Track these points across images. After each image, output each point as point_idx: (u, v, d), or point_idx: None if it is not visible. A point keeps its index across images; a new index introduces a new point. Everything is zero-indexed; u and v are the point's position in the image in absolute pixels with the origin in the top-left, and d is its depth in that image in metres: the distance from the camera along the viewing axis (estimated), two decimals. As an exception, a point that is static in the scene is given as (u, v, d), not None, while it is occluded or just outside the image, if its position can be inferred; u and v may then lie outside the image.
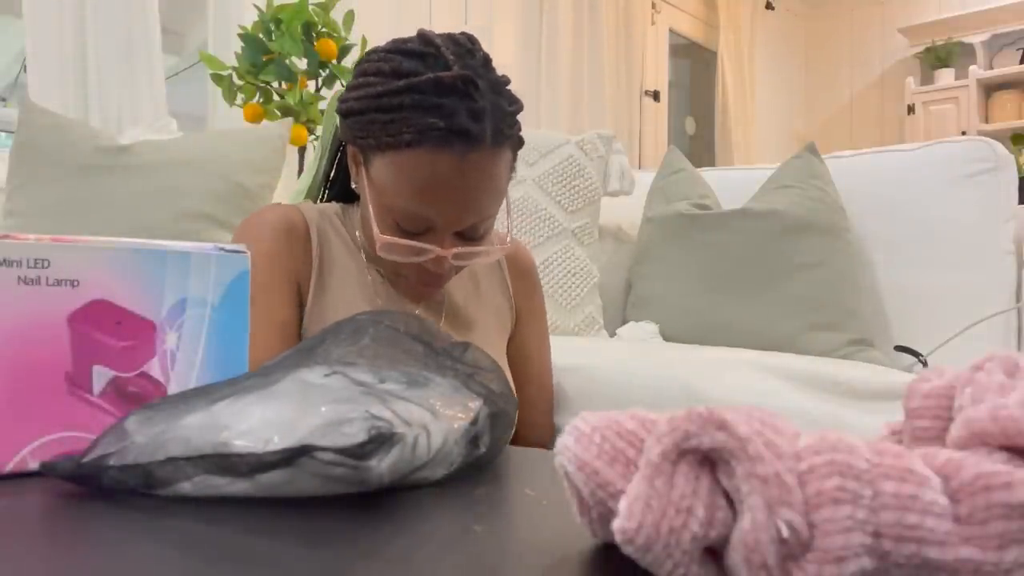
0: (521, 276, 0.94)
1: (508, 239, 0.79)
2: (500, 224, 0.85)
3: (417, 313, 0.82)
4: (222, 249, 0.43)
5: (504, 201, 0.76)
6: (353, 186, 0.79)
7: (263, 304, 0.73)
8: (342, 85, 1.83)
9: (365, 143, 0.71)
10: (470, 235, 0.73)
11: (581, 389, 1.24)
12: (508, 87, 0.72)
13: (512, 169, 0.75)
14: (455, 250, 0.71)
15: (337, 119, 0.79)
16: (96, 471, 0.32)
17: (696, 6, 4.76)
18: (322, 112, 1.82)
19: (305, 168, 0.93)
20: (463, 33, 0.72)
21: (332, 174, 0.89)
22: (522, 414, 0.90)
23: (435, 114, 0.66)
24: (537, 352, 0.95)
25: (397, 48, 0.71)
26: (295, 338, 0.76)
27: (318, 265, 0.78)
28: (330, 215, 0.83)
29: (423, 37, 0.71)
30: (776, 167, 1.66)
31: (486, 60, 0.71)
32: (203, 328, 0.42)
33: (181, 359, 0.41)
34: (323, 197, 0.91)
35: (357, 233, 0.83)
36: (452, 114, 0.66)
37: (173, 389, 0.41)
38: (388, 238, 0.70)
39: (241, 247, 0.44)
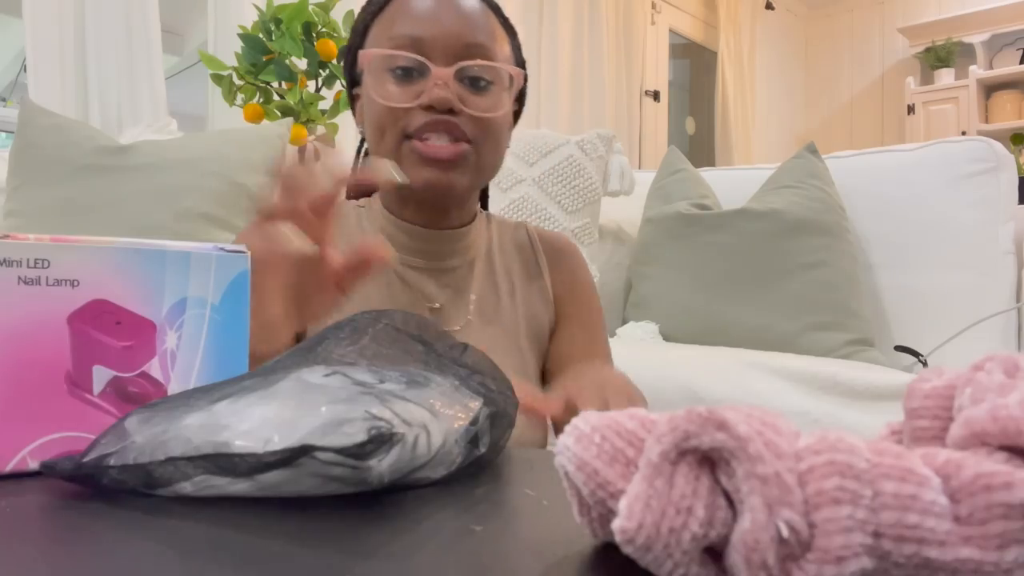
0: (559, 265, 0.87)
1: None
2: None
3: (440, 306, 0.78)
4: (222, 249, 0.43)
5: (508, 75, 0.75)
6: (359, 129, 0.79)
7: None
8: (342, 85, 1.83)
9: (355, 45, 0.76)
10: (471, 76, 0.72)
11: (581, 389, 1.23)
12: None
13: (511, 44, 0.78)
14: (458, 65, 0.70)
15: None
16: (96, 471, 0.32)
17: (696, 6, 4.76)
18: (323, 112, 1.82)
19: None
20: None
21: None
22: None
23: None
24: (582, 352, 0.85)
25: None
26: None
27: None
28: (348, 210, 0.82)
29: None
30: (776, 167, 1.66)
31: None
32: (203, 328, 0.42)
33: (181, 359, 0.41)
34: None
35: (376, 228, 0.80)
36: None
37: (173, 389, 0.41)
38: (388, 88, 0.71)
39: (241, 247, 0.44)
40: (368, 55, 0.72)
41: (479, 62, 0.71)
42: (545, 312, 0.85)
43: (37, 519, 0.29)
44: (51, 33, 1.94)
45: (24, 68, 1.97)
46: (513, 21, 0.82)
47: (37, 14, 1.93)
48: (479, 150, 0.73)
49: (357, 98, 0.80)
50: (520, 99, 0.82)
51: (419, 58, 0.70)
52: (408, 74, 0.71)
